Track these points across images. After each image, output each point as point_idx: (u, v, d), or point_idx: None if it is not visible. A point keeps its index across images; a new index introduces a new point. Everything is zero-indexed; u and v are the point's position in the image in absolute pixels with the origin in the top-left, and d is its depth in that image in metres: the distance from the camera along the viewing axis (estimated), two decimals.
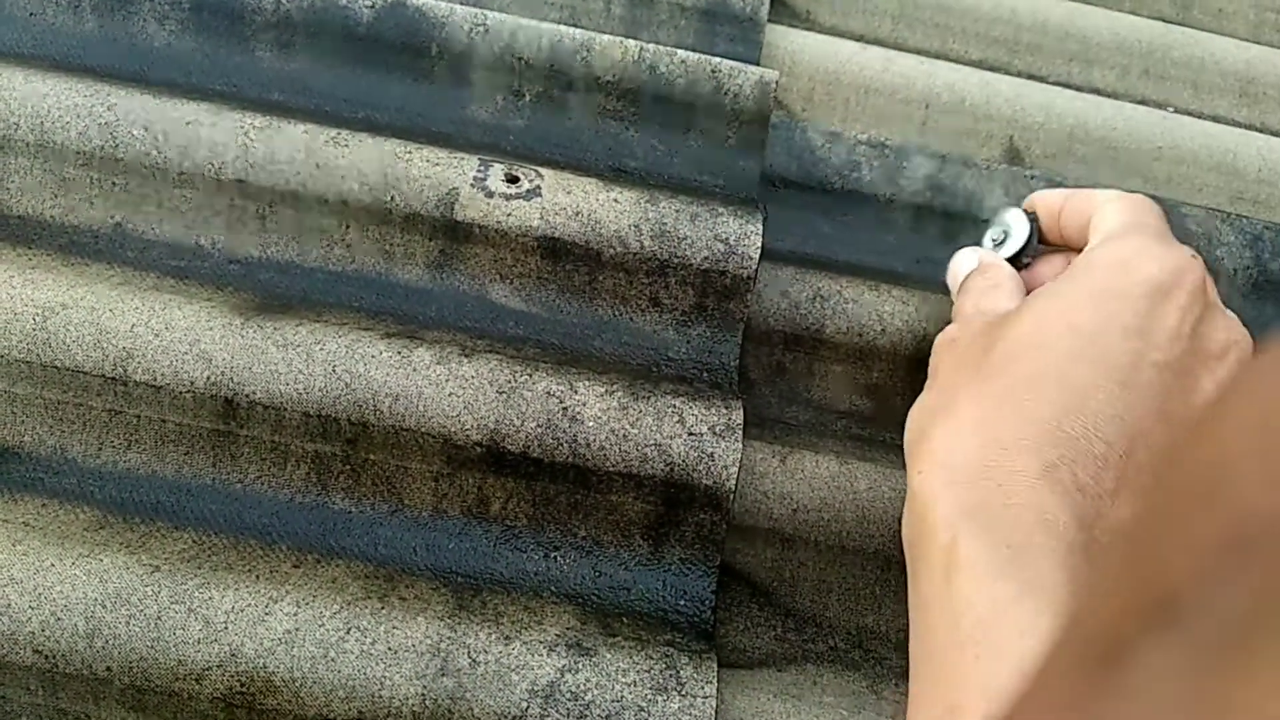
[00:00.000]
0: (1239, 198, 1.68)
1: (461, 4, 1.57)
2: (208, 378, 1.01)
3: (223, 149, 1.18)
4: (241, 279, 1.16)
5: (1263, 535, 0.21)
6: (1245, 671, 0.19)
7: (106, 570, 0.90)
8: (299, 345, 1.04)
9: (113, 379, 1.01)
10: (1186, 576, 0.22)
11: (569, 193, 1.20)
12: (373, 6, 1.33)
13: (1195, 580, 0.22)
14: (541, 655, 0.90)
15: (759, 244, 1.19)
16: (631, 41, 1.35)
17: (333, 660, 0.88)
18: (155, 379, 1.01)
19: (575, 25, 1.62)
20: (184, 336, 1.03)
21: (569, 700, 0.87)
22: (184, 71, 1.32)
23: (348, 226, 1.18)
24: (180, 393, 1.01)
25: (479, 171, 1.20)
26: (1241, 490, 0.22)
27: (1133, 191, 1.49)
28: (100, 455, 1.02)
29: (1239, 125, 1.89)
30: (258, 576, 0.93)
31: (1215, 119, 1.90)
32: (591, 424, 1.02)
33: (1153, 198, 1.48)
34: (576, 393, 1.04)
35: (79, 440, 1.01)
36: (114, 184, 1.18)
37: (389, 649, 0.89)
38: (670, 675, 0.90)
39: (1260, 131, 1.88)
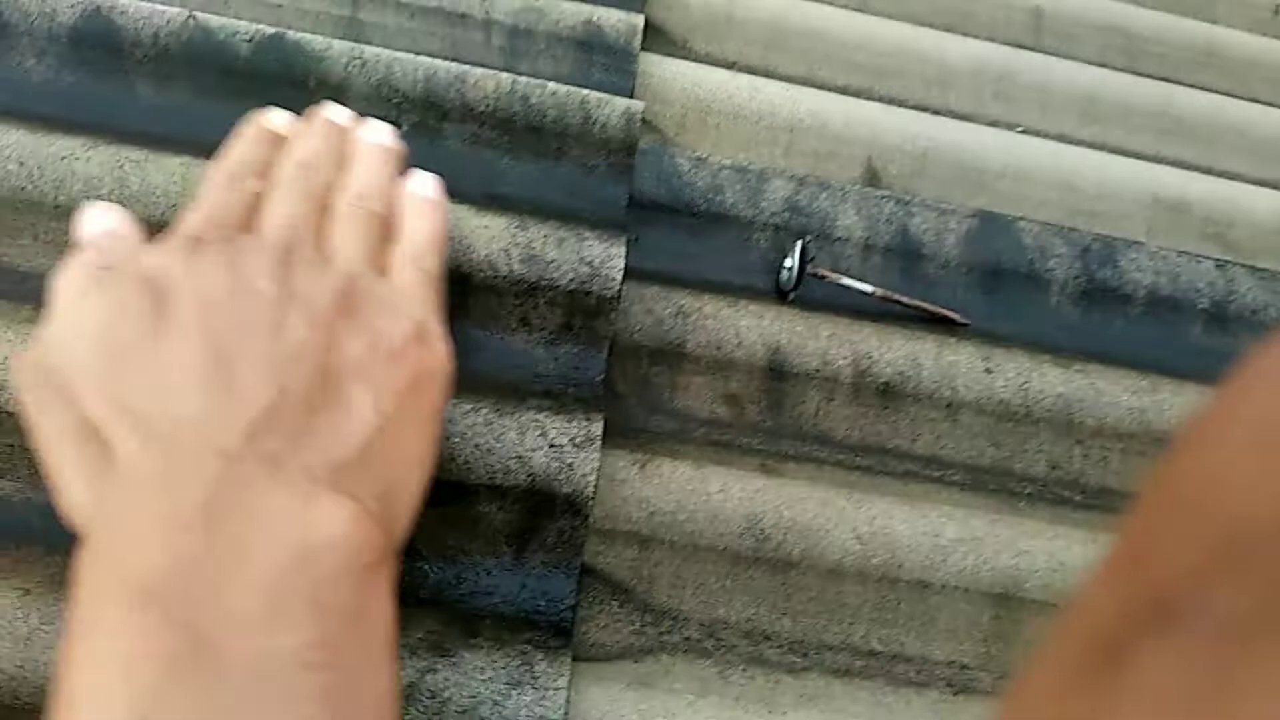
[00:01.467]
0: (1077, 211, 1.83)
1: (345, 38, 1.63)
2: None
3: (98, 182, 1.22)
4: None
5: (1260, 537, 0.21)
6: (1243, 672, 0.20)
7: None
8: None
9: None
10: (1185, 578, 0.23)
11: None
12: (251, 40, 1.38)
13: (1193, 582, 0.22)
14: (404, 658, 0.97)
15: (621, 266, 1.27)
16: (505, 74, 1.42)
17: None
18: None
19: (457, 56, 1.69)
20: None
21: (427, 698, 0.94)
22: (64, 106, 1.35)
23: None
24: None
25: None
26: (1239, 493, 0.23)
27: (980, 207, 1.62)
28: None
29: (1082, 143, 2.05)
30: None
31: (1061, 138, 2.05)
32: (457, 440, 1.09)
33: (996, 213, 1.61)
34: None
35: None
36: None
37: None
38: (525, 670, 0.98)
39: (1100, 149, 2.04)
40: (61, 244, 1.22)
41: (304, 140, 1.12)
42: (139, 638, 0.56)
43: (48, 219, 1.21)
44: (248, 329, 0.75)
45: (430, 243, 1.07)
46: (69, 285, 0.86)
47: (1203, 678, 0.21)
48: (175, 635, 0.55)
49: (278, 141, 1.13)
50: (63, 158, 1.22)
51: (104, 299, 0.80)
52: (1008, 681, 1.20)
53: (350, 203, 1.03)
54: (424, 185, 1.15)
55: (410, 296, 0.96)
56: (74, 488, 0.75)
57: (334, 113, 1.18)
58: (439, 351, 0.91)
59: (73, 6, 1.36)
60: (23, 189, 1.21)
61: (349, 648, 0.64)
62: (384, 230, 1.02)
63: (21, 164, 1.21)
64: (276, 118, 1.16)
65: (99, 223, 1.01)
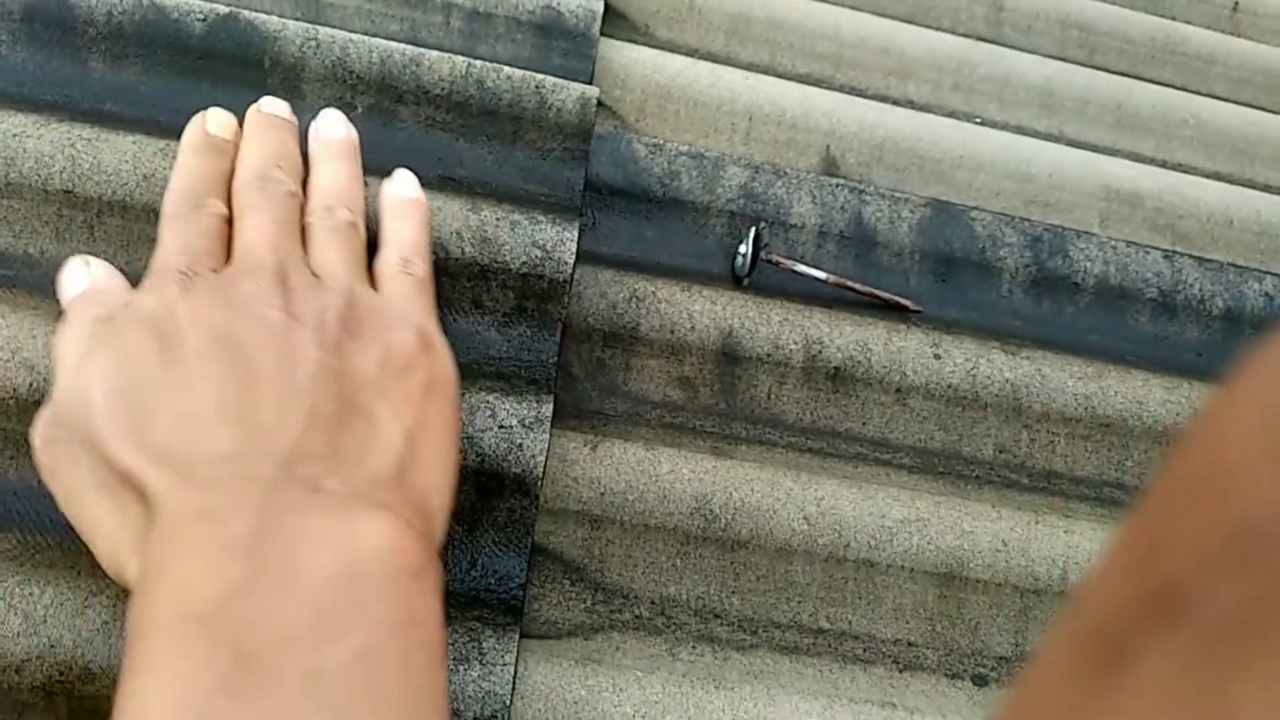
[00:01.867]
0: (1031, 201, 1.86)
1: (303, 18, 1.62)
2: (30, 384, 1.05)
3: (50, 160, 1.21)
4: None
5: (1267, 532, 0.21)
6: (1248, 668, 0.20)
7: None
8: None
9: None
10: (1190, 573, 0.23)
11: None
12: (205, 19, 1.38)
13: (1199, 577, 0.22)
14: None
15: (573, 250, 1.28)
16: (460, 58, 1.42)
17: None
18: None
19: (416, 39, 1.69)
20: (6, 344, 1.06)
21: None
22: (16, 83, 1.34)
23: None
24: (4, 399, 1.05)
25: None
26: (1245, 487, 0.22)
27: (935, 196, 1.65)
28: None
29: (1039, 135, 2.08)
30: (79, 572, 0.98)
31: (1018, 129, 2.08)
32: None
33: (952, 203, 1.64)
34: None
35: None
36: None
37: None
38: (473, 647, 0.99)
39: (1056, 141, 2.07)
40: (13, 222, 1.21)
41: (254, 145, 1.12)
42: (193, 664, 0.58)
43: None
44: (263, 358, 0.76)
45: (416, 246, 1.09)
46: (71, 342, 0.87)
47: (1208, 673, 0.21)
48: (228, 658, 0.56)
49: (226, 149, 1.13)
50: (14, 135, 1.21)
51: (110, 349, 0.81)
52: (954, 658, 1.23)
53: (321, 216, 1.04)
54: (404, 185, 1.16)
55: (406, 305, 0.98)
56: (114, 537, 0.77)
57: (274, 107, 1.19)
58: (444, 357, 0.94)
59: None
60: None
61: (399, 654, 0.65)
62: (361, 235, 1.04)
63: None
64: (216, 122, 1.15)
65: (83, 278, 1.02)
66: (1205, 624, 0.21)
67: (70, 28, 1.36)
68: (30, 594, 0.95)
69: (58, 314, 1.12)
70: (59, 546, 1.03)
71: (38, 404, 1.06)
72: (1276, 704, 0.19)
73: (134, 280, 1.19)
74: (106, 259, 1.22)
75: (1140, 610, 0.23)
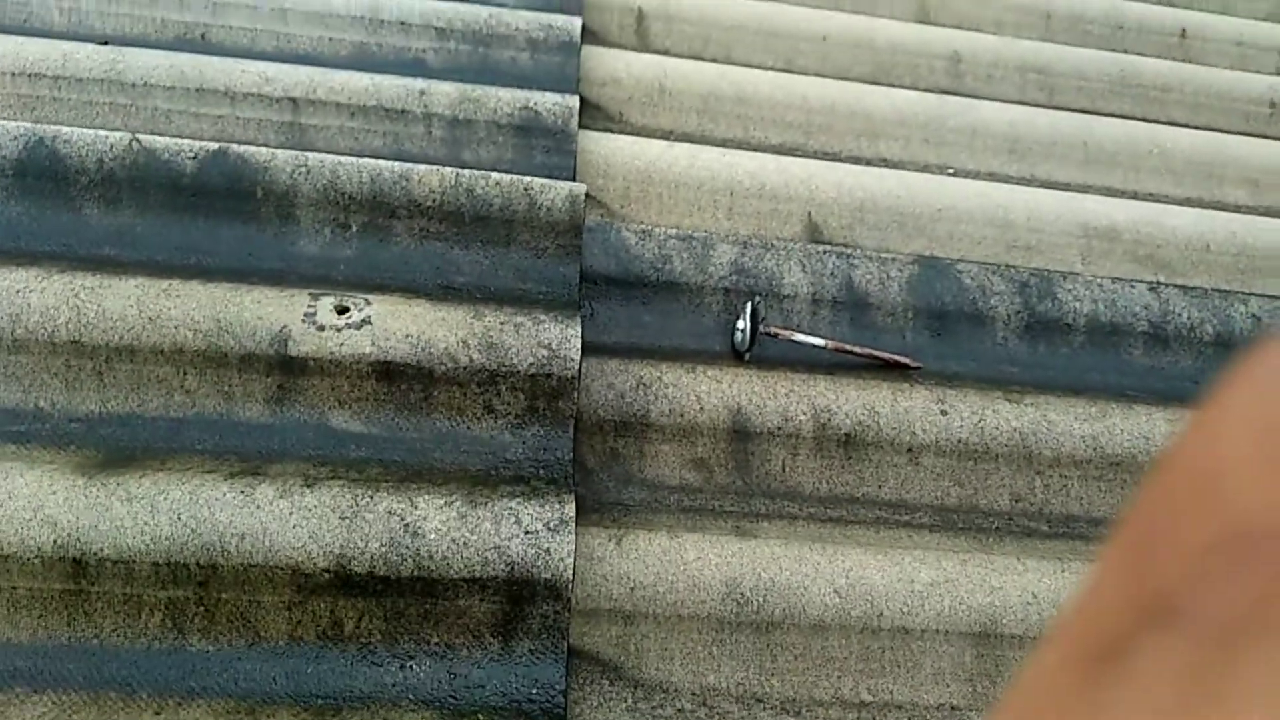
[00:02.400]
0: (1013, 246, 1.90)
1: (288, 142, 1.66)
2: (54, 541, 1.05)
3: (54, 312, 1.23)
4: (84, 436, 1.20)
5: (1260, 535, 0.21)
6: (1244, 670, 0.20)
7: None
8: (143, 498, 1.09)
9: None
10: (1184, 576, 0.23)
11: (398, 317, 1.29)
12: (195, 157, 1.41)
13: (1192, 579, 0.22)
14: None
15: (578, 346, 1.30)
16: (448, 169, 1.46)
17: None
18: (1, 549, 1.04)
19: (400, 151, 1.73)
20: (28, 504, 1.06)
21: None
22: (13, 237, 1.36)
23: (185, 373, 1.24)
24: (28, 559, 1.05)
25: (309, 307, 1.28)
26: (1235, 492, 0.22)
27: (919, 252, 1.68)
28: None
29: (1011, 180, 2.12)
30: None
31: (991, 176, 2.13)
32: (433, 536, 1.10)
33: (938, 257, 1.67)
34: (417, 508, 1.12)
35: None
36: None
37: None
38: None
39: (1030, 184, 2.12)
40: (21, 377, 1.22)
41: None
42: None
43: (6, 353, 1.21)
44: None
45: None
46: None
47: (1203, 675, 0.21)
48: None
49: None
50: (17, 291, 1.23)
51: None
52: None
53: None
54: None
55: None
56: None
57: None
58: None
59: (15, 139, 1.37)
60: None
61: None
62: None
63: None
64: None
65: None
66: (1199, 627, 0.21)
67: (62, 178, 1.39)
68: None
69: (75, 466, 1.13)
70: (95, 704, 1.02)
71: (62, 560, 1.07)
72: (1273, 705, 0.19)
73: (149, 424, 1.20)
74: (117, 404, 1.24)
75: (1134, 614, 0.23)
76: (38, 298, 1.23)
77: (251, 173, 1.41)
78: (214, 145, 1.41)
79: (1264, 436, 0.23)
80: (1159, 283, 1.74)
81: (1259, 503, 0.22)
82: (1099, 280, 1.71)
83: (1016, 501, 1.44)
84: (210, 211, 1.40)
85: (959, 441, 1.43)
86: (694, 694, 1.18)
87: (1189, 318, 1.70)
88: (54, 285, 1.25)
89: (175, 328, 1.23)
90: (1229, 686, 0.20)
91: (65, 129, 1.39)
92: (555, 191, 1.46)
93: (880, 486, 1.41)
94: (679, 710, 1.17)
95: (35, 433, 1.20)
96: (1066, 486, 1.46)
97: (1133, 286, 1.72)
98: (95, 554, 1.06)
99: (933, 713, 1.22)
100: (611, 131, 1.95)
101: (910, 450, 1.42)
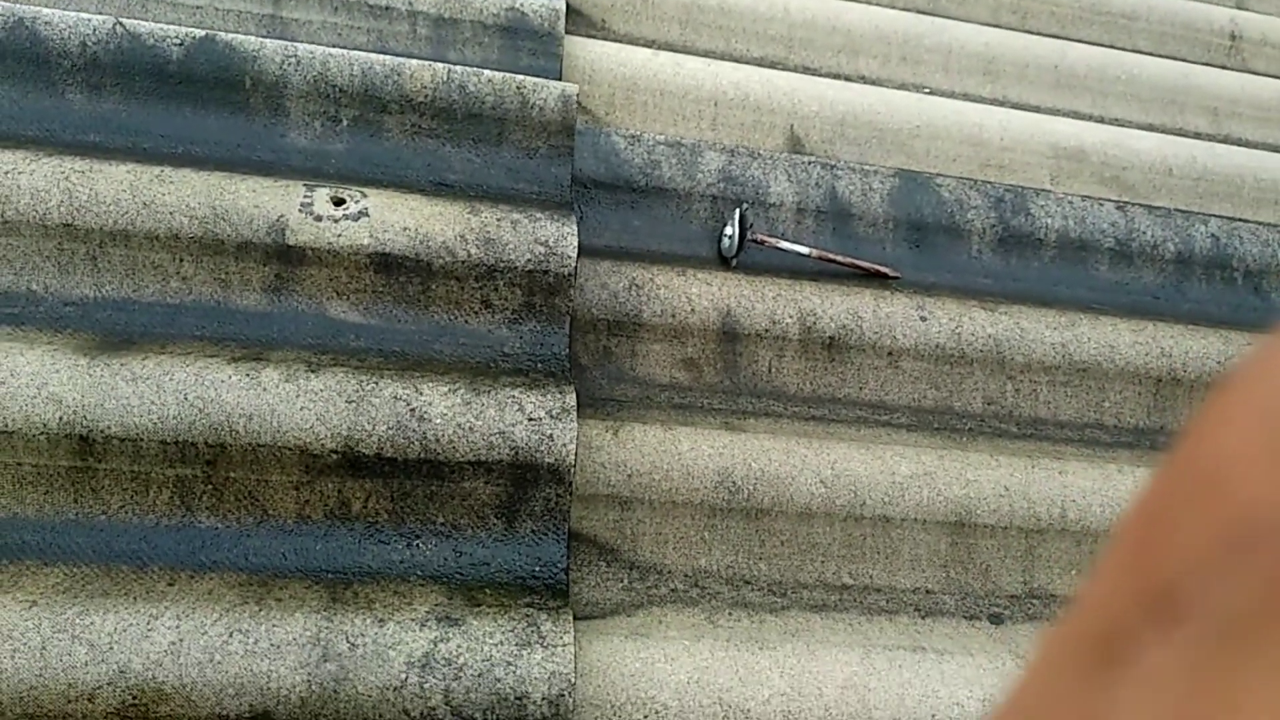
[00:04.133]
0: (987, 165, 1.95)
1: (268, 36, 1.63)
2: (60, 418, 1.05)
3: (45, 195, 1.21)
4: (79, 320, 1.20)
5: (1263, 531, 0.21)
6: (1250, 665, 0.20)
7: None
8: (148, 378, 1.09)
9: None
10: (1187, 571, 0.22)
11: (395, 210, 1.29)
12: (182, 44, 1.38)
13: (1196, 575, 0.22)
14: (414, 630, 1.01)
15: (575, 244, 1.32)
16: (440, 64, 1.44)
17: (219, 663, 0.96)
18: (6, 425, 1.04)
19: (384, 49, 1.71)
20: (30, 381, 1.06)
21: (443, 665, 0.98)
22: None
23: (181, 260, 1.23)
24: (33, 435, 1.05)
25: (305, 197, 1.28)
26: (1242, 486, 0.22)
27: (898, 167, 1.71)
28: None
29: (984, 101, 2.16)
30: (135, 598, 0.99)
31: (965, 96, 2.17)
32: (439, 420, 1.13)
33: (915, 171, 1.71)
34: (422, 394, 1.14)
35: None
36: None
37: (272, 645, 0.98)
38: (532, 631, 1.02)
39: (1001, 105, 2.16)
40: (13, 260, 1.21)
41: None
42: None
43: None
44: None
45: None
46: None
47: (1208, 670, 0.20)
48: None
49: None
50: (5, 172, 1.20)
51: None
52: (970, 601, 1.30)
53: None
54: None
55: None
56: None
57: None
58: None
59: None
60: None
61: None
62: None
63: None
64: None
65: None
66: (1203, 622, 0.21)
67: (44, 61, 1.35)
68: (91, 623, 0.96)
69: (75, 347, 1.13)
70: (108, 575, 1.04)
71: (68, 437, 1.07)
72: (1275, 701, 0.19)
73: (145, 309, 1.20)
74: (112, 289, 1.23)
75: (1138, 609, 0.23)
76: (27, 179, 1.21)
77: (240, 61, 1.38)
78: (200, 32, 1.38)
79: (1270, 430, 0.23)
80: (1125, 202, 1.81)
81: (1265, 497, 0.22)
82: (1069, 197, 1.76)
83: (989, 404, 1.51)
84: (198, 100, 1.37)
85: (937, 347, 1.49)
86: (686, 575, 1.23)
87: (1152, 236, 1.77)
88: (43, 168, 1.22)
89: (170, 213, 1.22)
90: (1234, 682, 0.20)
91: (46, 10, 1.35)
92: (548, 91, 1.46)
93: (861, 388, 1.46)
94: (672, 590, 1.22)
95: (30, 315, 1.19)
96: (1036, 391, 1.53)
97: (1101, 205, 1.77)
98: (102, 431, 1.06)
99: (909, 595, 1.29)
100: (594, 38, 1.94)
101: (890, 354, 1.47)
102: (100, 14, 1.45)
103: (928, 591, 1.30)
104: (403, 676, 0.98)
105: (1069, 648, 0.25)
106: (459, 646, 0.99)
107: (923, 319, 1.50)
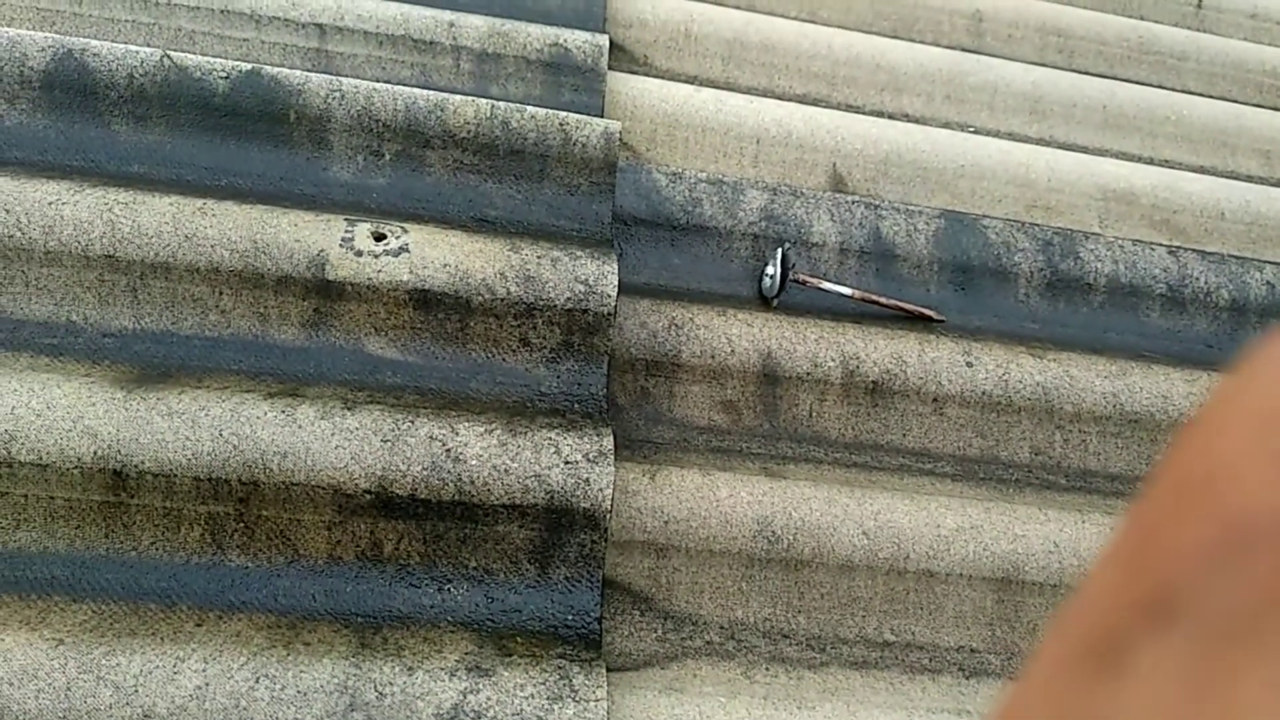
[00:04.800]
0: (1033, 206, 1.91)
1: (313, 69, 1.64)
2: (95, 452, 1.04)
3: (88, 226, 1.21)
4: (117, 352, 1.19)
5: (1261, 533, 0.21)
6: (1247, 667, 0.20)
7: (9, 649, 0.93)
8: (183, 413, 1.08)
9: None
10: (1185, 573, 0.22)
11: (435, 246, 1.28)
12: (228, 77, 1.38)
13: (1193, 577, 0.22)
14: (444, 680, 0.98)
15: (615, 282, 1.30)
16: (483, 100, 1.44)
17: (245, 710, 0.94)
18: (41, 458, 1.04)
19: (427, 83, 1.71)
20: (66, 414, 1.06)
21: (473, 718, 0.95)
22: (40, 150, 1.33)
23: (221, 293, 1.23)
24: (67, 469, 1.04)
25: (346, 232, 1.27)
26: (1238, 489, 0.22)
27: (942, 206, 1.68)
28: None
29: (1030, 140, 2.13)
30: (162, 638, 0.97)
31: (1010, 136, 2.13)
32: (474, 462, 1.11)
33: (962, 212, 1.68)
34: (458, 434, 1.12)
35: None
36: None
37: (299, 692, 0.95)
38: (564, 684, 0.99)
39: (1048, 145, 2.13)
40: (54, 290, 1.21)
41: None
42: None
43: (38, 265, 1.20)
44: None
45: None
46: None
47: (1205, 672, 0.20)
48: None
49: None
50: (49, 203, 1.21)
51: None
52: (1016, 662, 1.25)
53: None
54: None
55: None
56: None
57: None
58: None
59: (43, 50, 1.34)
60: (10, 236, 1.19)
61: None
62: None
63: (7, 211, 1.20)
64: None
65: None
66: (1201, 623, 0.21)
67: (91, 92, 1.36)
68: (117, 664, 0.95)
69: (112, 380, 1.12)
70: (135, 614, 1.02)
71: (102, 472, 1.06)
72: (1272, 702, 0.19)
73: (183, 342, 1.19)
74: (151, 321, 1.23)
75: (1136, 609, 0.23)
76: (70, 210, 1.21)
77: (285, 95, 1.38)
78: (247, 66, 1.39)
79: (1266, 432, 0.22)
80: (1177, 246, 1.76)
81: (1261, 500, 0.22)
82: (1120, 241, 1.72)
83: (1036, 454, 1.46)
84: (242, 133, 1.38)
85: (983, 394, 1.45)
86: (722, 627, 1.20)
87: (1206, 282, 1.72)
88: (87, 199, 1.23)
89: (212, 247, 1.22)
90: (1231, 685, 0.20)
91: (94, 42, 1.36)
92: (590, 128, 1.45)
93: (905, 435, 1.43)
94: (707, 642, 1.18)
95: (69, 346, 1.18)
96: (1085, 442, 1.48)
97: (1152, 249, 1.73)
98: (136, 467, 1.05)
99: (952, 654, 1.25)
100: (636, 74, 1.94)
101: (935, 400, 1.44)
102: (148, 46, 1.46)
103: (972, 650, 1.25)
104: None
105: (1067, 649, 0.25)
106: (489, 699, 0.96)
107: (969, 364, 1.46)
